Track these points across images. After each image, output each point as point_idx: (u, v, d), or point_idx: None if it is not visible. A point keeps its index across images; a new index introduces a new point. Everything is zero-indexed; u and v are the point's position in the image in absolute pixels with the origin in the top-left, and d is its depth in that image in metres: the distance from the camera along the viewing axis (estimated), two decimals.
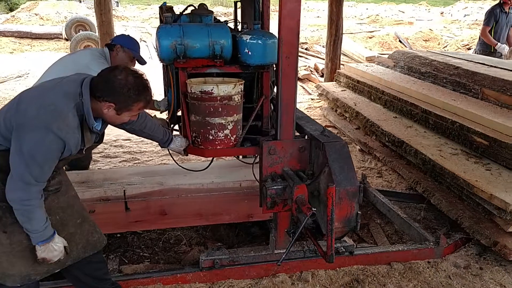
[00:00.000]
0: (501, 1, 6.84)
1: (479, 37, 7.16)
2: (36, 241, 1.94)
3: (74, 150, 1.94)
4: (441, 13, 21.17)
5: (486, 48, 6.96)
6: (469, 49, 12.32)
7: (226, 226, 3.30)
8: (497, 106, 4.01)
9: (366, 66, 6.54)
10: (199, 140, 2.52)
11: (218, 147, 2.51)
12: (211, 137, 2.48)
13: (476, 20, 17.33)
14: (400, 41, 13.60)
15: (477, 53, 7.01)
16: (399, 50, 7.13)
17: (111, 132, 5.72)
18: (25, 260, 1.99)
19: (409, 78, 5.46)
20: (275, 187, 2.39)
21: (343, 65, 7.62)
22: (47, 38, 14.08)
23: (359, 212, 2.28)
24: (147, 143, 5.25)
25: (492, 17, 6.83)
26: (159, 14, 3.09)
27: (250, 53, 2.49)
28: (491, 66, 4.92)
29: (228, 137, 2.50)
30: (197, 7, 2.83)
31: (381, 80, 5.52)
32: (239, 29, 2.85)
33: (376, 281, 2.77)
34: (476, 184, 3.05)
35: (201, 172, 3.11)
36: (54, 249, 1.97)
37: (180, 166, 2.98)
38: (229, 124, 2.47)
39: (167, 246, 3.15)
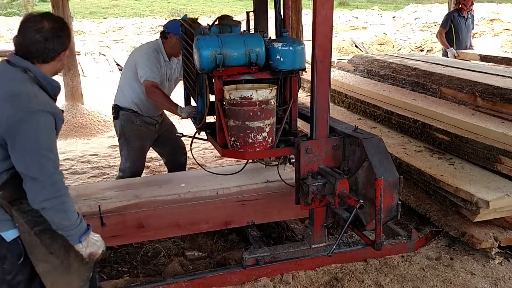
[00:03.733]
0: (459, 6, 7.17)
1: None
2: (76, 238, 1.94)
3: (60, 122, 1.95)
4: (393, 17, 21.90)
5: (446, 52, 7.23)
6: (422, 50, 12.85)
7: (204, 234, 3.31)
8: (454, 104, 4.22)
9: None
10: (238, 144, 2.59)
11: (257, 149, 2.60)
12: (250, 140, 2.56)
13: (426, 22, 18.07)
14: (356, 46, 14.00)
15: (443, 56, 7.31)
16: (358, 54, 7.37)
17: (77, 148, 5.62)
18: (76, 274, 2.02)
19: (369, 81, 5.64)
20: (316, 184, 2.55)
21: (305, 71, 7.77)
22: (1, 56, 13.61)
23: (399, 202, 2.48)
24: (115, 157, 5.17)
25: (449, 20, 7.14)
26: (181, 26, 3.19)
27: (282, 59, 2.59)
28: (446, 65, 5.17)
29: (266, 139, 2.60)
30: (221, 19, 2.91)
31: (344, 84, 5.67)
32: None
33: (354, 278, 2.86)
34: (442, 178, 3.19)
35: (177, 182, 3.12)
36: (96, 240, 2.01)
37: (209, 171, 3.17)
38: (266, 127, 2.57)
39: (145, 259, 3.12)
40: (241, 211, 3.09)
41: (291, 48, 2.60)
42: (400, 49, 13.59)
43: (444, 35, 7.25)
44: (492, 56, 7.00)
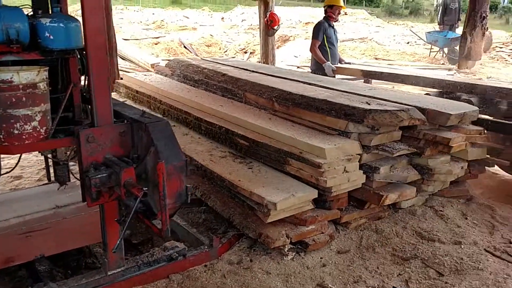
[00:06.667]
0: (327, 15, 6.67)
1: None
2: None
3: None
4: (222, 19, 22.65)
5: (320, 66, 6.55)
6: (245, 52, 13.52)
7: None
8: (256, 109, 4.45)
9: (145, 75, 6.55)
10: (1, 136, 2.24)
11: (27, 141, 2.28)
12: (16, 132, 2.24)
13: (251, 25, 19.09)
14: (185, 47, 14.09)
15: (315, 73, 6.38)
16: (176, 58, 7.35)
17: None
18: None
19: (185, 86, 5.65)
20: (99, 176, 2.35)
21: (127, 73, 7.47)
22: None
23: (188, 185, 2.41)
24: None
25: (322, 31, 6.54)
26: None
27: (52, 37, 2.36)
28: (252, 71, 5.45)
29: (38, 129, 2.30)
30: None
31: (159, 89, 5.59)
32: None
33: None
34: (239, 183, 3.32)
35: None
36: None
37: None
38: (36, 115, 2.27)
39: None
40: (26, 245, 2.75)
41: (61, 24, 2.40)
42: (226, 51, 14.11)
43: (318, 48, 6.58)
44: (377, 72, 6.10)
